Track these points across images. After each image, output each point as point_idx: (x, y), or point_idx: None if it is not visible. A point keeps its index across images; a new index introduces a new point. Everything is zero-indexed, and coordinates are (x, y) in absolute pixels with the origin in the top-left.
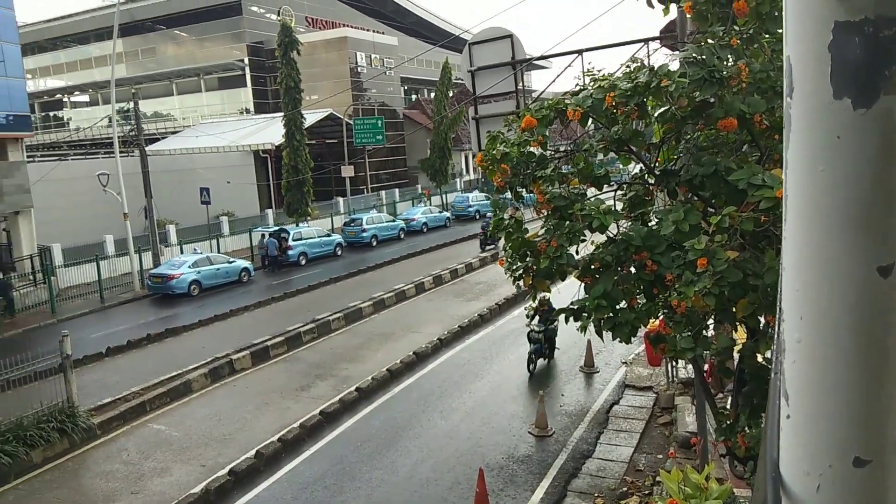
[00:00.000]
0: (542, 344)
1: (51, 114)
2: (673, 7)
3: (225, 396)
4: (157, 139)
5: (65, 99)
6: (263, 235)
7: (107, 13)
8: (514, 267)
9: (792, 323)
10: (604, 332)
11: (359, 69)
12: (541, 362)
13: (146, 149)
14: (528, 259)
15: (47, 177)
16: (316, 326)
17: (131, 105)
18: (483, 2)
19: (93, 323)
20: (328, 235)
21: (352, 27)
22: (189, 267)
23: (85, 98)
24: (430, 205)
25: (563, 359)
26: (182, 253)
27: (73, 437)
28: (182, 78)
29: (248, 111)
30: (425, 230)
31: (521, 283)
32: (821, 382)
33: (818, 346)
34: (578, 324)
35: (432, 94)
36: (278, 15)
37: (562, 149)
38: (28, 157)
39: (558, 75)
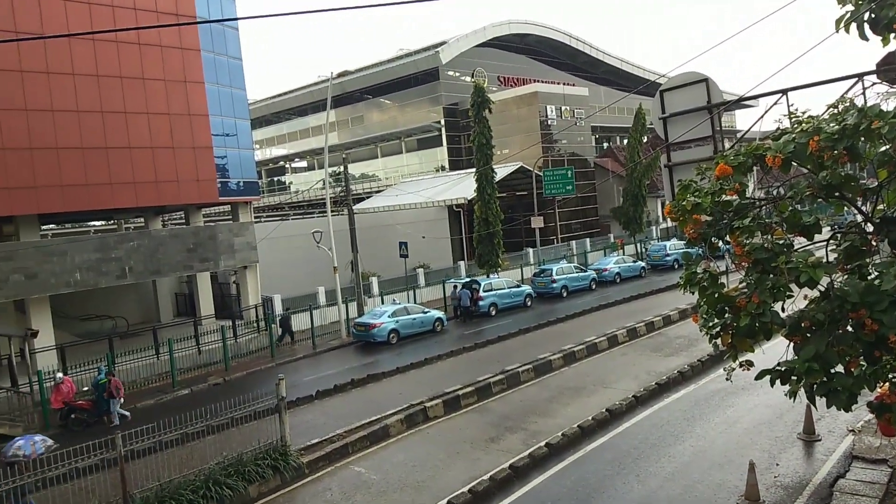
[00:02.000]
0: None
1: (275, 179)
2: (892, 38)
3: (419, 443)
4: (363, 198)
5: (286, 165)
6: (456, 286)
7: (322, 87)
8: (711, 324)
9: None
10: (816, 398)
11: (549, 121)
12: (749, 423)
13: (353, 207)
14: (726, 316)
15: (270, 235)
16: (505, 377)
17: (342, 168)
18: (679, 45)
19: (305, 367)
20: (518, 286)
21: (543, 82)
22: (389, 316)
23: (303, 164)
24: (624, 254)
25: (779, 424)
26: (383, 303)
27: (285, 474)
28: (385, 141)
29: (443, 168)
30: (618, 280)
31: (718, 341)
32: None
33: None
34: (787, 388)
35: (625, 141)
36: (472, 77)
37: (760, 196)
38: (255, 217)
39: (760, 117)
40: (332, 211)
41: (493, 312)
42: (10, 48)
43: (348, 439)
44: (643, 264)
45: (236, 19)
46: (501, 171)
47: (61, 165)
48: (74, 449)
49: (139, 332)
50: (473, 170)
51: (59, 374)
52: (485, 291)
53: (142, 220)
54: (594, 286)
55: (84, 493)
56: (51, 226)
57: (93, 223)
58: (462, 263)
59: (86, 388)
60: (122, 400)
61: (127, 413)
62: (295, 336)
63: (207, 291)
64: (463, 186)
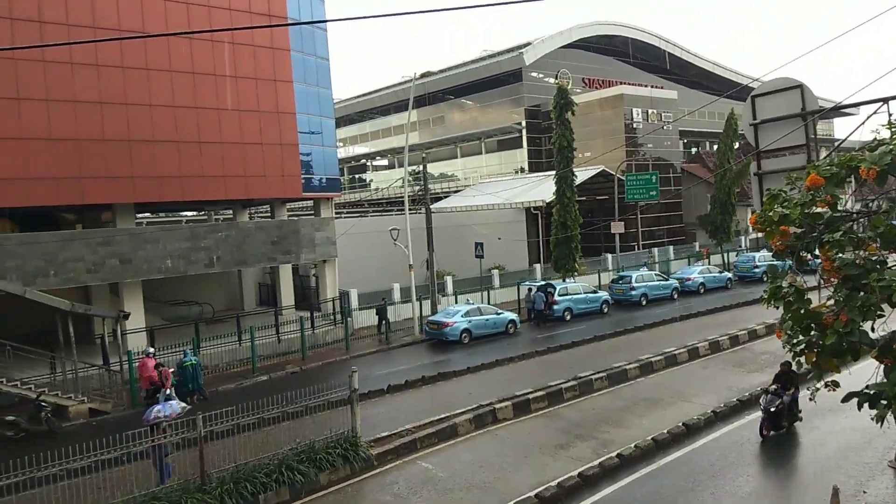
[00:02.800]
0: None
1: (356, 176)
2: None
3: (487, 444)
4: (441, 198)
5: (368, 163)
6: (530, 289)
7: (405, 87)
8: (795, 341)
9: None
10: None
11: (634, 125)
12: (835, 447)
13: (431, 206)
14: (812, 333)
15: (350, 231)
16: (578, 384)
17: (421, 167)
18: (773, 49)
19: (378, 361)
20: (594, 292)
21: (629, 84)
22: (462, 316)
23: (384, 162)
24: (709, 264)
25: (867, 450)
26: (457, 302)
27: (354, 465)
28: (466, 142)
29: (522, 170)
30: (702, 291)
31: (802, 359)
32: None
33: None
34: (874, 412)
35: (715, 147)
36: (556, 78)
37: (853, 209)
38: (336, 213)
39: (858, 127)
40: (409, 209)
41: (568, 317)
42: (114, 46)
43: (417, 435)
44: (730, 275)
45: (325, 21)
46: (582, 175)
47: (157, 157)
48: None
49: (223, 319)
50: (553, 172)
51: (149, 349)
52: (560, 296)
53: (230, 212)
54: (676, 296)
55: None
56: (146, 214)
57: (185, 213)
58: (538, 266)
59: (172, 370)
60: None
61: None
62: (391, 325)
63: (288, 283)
64: (542, 189)
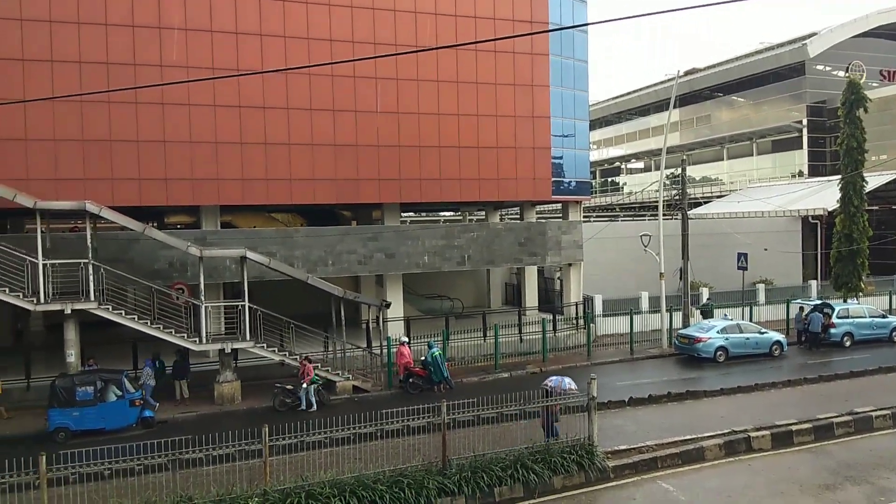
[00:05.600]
0: None
1: (608, 179)
2: None
3: (737, 473)
4: (701, 203)
5: (622, 166)
6: (802, 308)
7: (667, 86)
8: None
9: None
10: None
11: None
12: None
13: (689, 212)
14: None
15: (598, 235)
16: (853, 420)
17: (680, 170)
18: None
19: (619, 371)
20: (883, 317)
21: None
22: (718, 332)
23: (640, 165)
24: None
25: None
26: (712, 316)
27: (589, 473)
28: (734, 143)
29: (800, 174)
30: None
31: None
32: None
33: None
34: None
35: None
36: (846, 71)
37: None
38: (584, 216)
39: None
40: (664, 214)
41: (848, 343)
42: (389, 61)
43: (658, 453)
44: None
45: (586, 25)
46: (874, 180)
47: (421, 161)
48: (407, 409)
49: (471, 315)
50: (838, 177)
51: (404, 338)
52: (839, 318)
53: (483, 212)
54: None
55: (412, 449)
56: (409, 213)
57: (442, 213)
58: (813, 283)
59: (422, 358)
60: (306, 386)
61: (314, 400)
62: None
63: (533, 284)
64: (823, 195)
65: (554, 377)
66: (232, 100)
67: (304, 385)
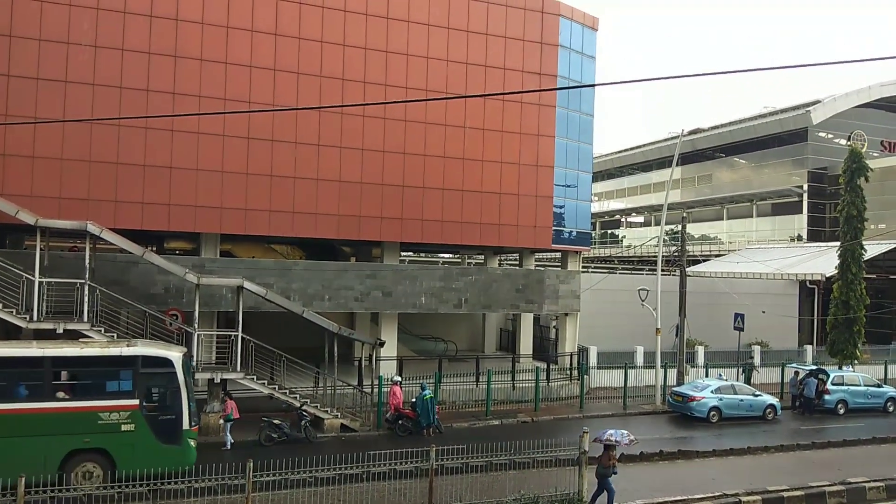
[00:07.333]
0: None
1: (608, 231)
2: None
3: None
4: (699, 261)
5: (622, 219)
6: (797, 373)
7: (670, 144)
8: None
9: None
10: None
11: None
12: None
13: (687, 269)
14: None
15: (595, 286)
16: (846, 490)
17: (680, 227)
18: None
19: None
20: (878, 386)
21: None
22: (712, 392)
23: (640, 219)
24: None
25: None
26: (707, 376)
27: None
28: (734, 203)
29: (799, 238)
30: None
31: None
32: None
33: None
34: None
35: None
36: (848, 140)
37: None
38: (583, 267)
39: None
40: (662, 270)
41: (842, 411)
42: (417, 106)
43: None
44: None
45: (594, 85)
46: (873, 249)
47: (424, 202)
48: (395, 452)
49: (465, 358)
50: (837, 244)
51: (397, 377)
52: (833, 384)
53: (482, 256)
54: None
55: (398, 493)
56: (408, 253)
57: (441, 255)
58: (809, 348)
59: (412, 400)
60: (222, 422)
61: (230, 439)
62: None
63: (529, 331)
64: (821, 261)
65: (611, 430)
66: (241, 131)
67: (221, 421)
